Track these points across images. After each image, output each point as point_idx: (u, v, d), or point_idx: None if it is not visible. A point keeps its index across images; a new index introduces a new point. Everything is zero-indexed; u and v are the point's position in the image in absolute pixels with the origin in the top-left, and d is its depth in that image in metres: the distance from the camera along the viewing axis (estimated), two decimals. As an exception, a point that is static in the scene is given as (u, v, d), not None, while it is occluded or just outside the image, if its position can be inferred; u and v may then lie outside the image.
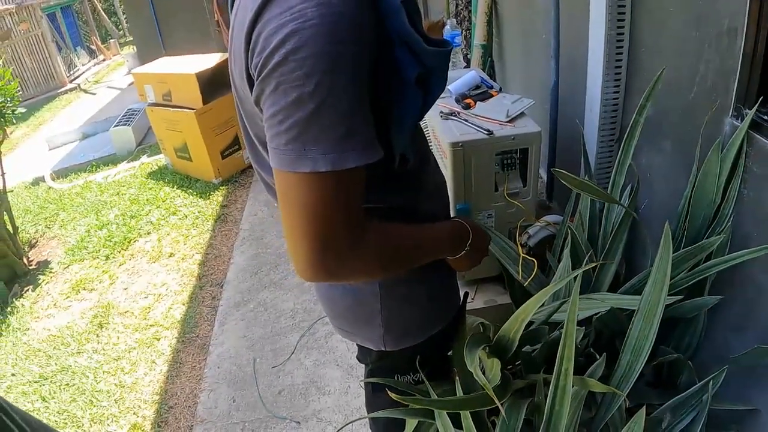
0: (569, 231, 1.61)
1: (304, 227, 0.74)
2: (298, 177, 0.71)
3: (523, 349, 1.41)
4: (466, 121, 1.81)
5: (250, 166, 4.80)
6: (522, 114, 1.83)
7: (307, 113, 0.68)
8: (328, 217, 0.74)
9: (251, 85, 0.74)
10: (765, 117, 1.22)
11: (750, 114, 1.24)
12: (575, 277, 1.05)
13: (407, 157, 0.89)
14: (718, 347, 1.49)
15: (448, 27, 2.98)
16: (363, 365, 1.31)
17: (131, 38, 10.89)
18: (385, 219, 0.86)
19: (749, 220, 1.32)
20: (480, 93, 1.97)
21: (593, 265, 1.22)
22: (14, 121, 3.92)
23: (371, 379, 1.21)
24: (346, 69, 0.68)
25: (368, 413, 1.35)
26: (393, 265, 0.89)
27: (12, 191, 5.38)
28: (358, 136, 0.72)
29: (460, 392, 1.20)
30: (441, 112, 1.90)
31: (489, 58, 3.23)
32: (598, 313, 1.35)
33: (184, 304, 3.26)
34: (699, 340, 1.49)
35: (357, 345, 1.24)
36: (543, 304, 1.52)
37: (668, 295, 1.30)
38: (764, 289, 1.29)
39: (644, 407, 1.11)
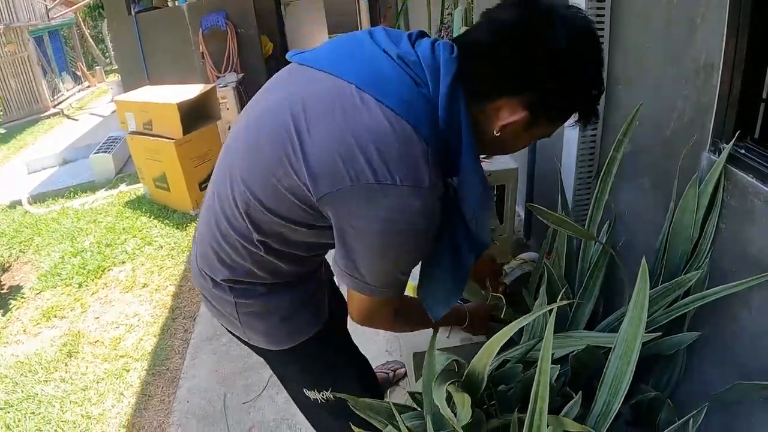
0: (545, 268, 1.58)
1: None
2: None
3: (498, 388, 1.37)
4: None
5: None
6: (500, 149, 1.81)
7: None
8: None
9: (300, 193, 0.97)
10: (742, 151, 1.22)
11: (727, 148, 1.23)
12: (549, 314, 1.02)
13: None
14: (700, 384, 1.46)
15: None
16: None
17: (117, 66, 10.85)
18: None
19: (727, 254, 1.31)
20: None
21: (566, 302, 1.19)
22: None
23: None
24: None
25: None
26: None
27: (-13, 214, 5.28)
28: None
29: (430, 430, 1.15)
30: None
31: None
32: (575, 351, 1.32)
33: (155, 336, 3.16)
34: (679, 377, 1.46)
35: None
36: (520, 343, 1.49)
37: (646, 332, 1.26)
38: (743, 324, 1.27)
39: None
